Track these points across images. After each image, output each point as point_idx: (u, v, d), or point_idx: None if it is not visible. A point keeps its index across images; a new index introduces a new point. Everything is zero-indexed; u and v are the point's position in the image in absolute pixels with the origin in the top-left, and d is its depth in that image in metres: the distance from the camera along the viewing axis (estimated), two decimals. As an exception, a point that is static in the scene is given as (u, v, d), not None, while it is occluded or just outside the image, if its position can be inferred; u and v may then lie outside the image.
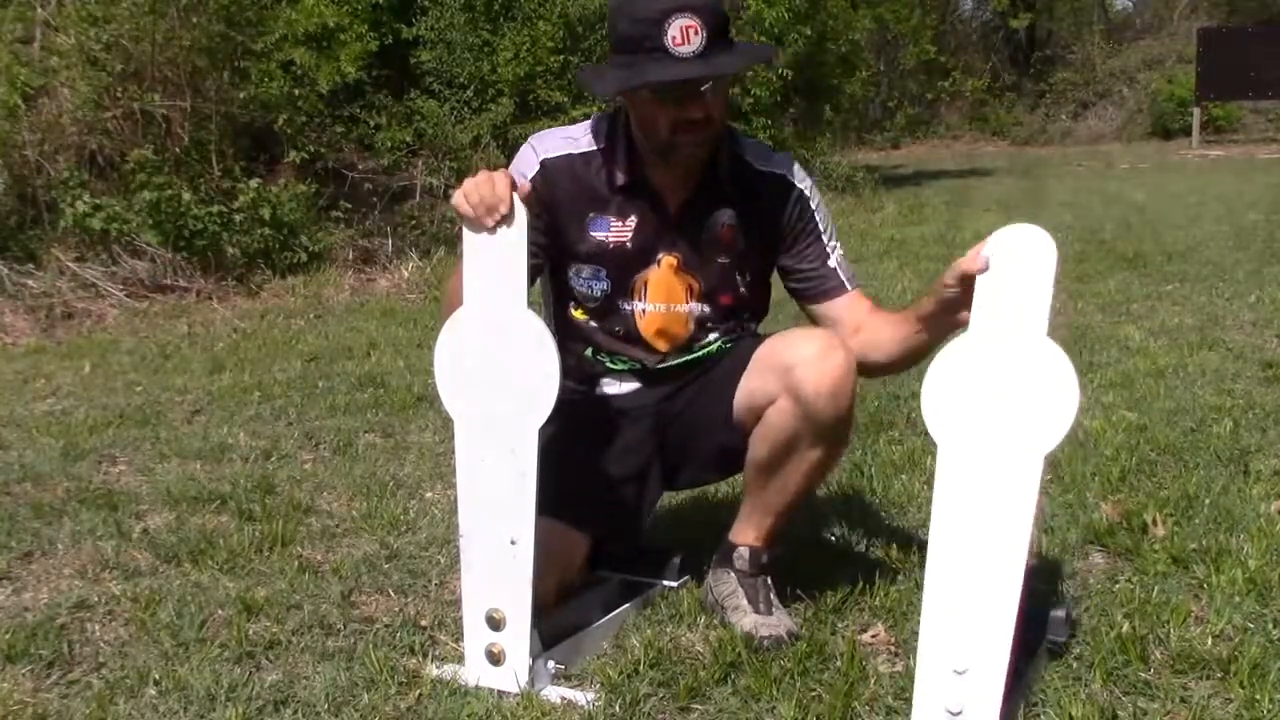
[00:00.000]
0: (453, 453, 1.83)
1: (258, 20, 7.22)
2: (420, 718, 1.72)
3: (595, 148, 2.02)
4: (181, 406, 3.79)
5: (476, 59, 8.35)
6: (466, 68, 8.36)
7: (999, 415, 1.62)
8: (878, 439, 3.10)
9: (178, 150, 6.57)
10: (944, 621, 1.60)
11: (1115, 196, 10.21)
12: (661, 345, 2.07)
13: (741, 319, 2.10)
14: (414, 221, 7.47)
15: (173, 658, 1.93)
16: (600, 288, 2.05)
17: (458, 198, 1.78)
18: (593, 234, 2.02)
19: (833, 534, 2.46)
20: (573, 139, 2.04)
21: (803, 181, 2.06)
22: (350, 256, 6.86)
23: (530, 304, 1.80)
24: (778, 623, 1.97)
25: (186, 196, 6.09)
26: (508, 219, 1.76)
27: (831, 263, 2.05)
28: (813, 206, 2.05)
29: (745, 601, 2.00)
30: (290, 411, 3.66)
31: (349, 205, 7.33)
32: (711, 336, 2.08)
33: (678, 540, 2.30)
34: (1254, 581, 2.07)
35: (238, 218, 6.31)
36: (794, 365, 1.88)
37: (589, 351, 2.10)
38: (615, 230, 2.01)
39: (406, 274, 6.61)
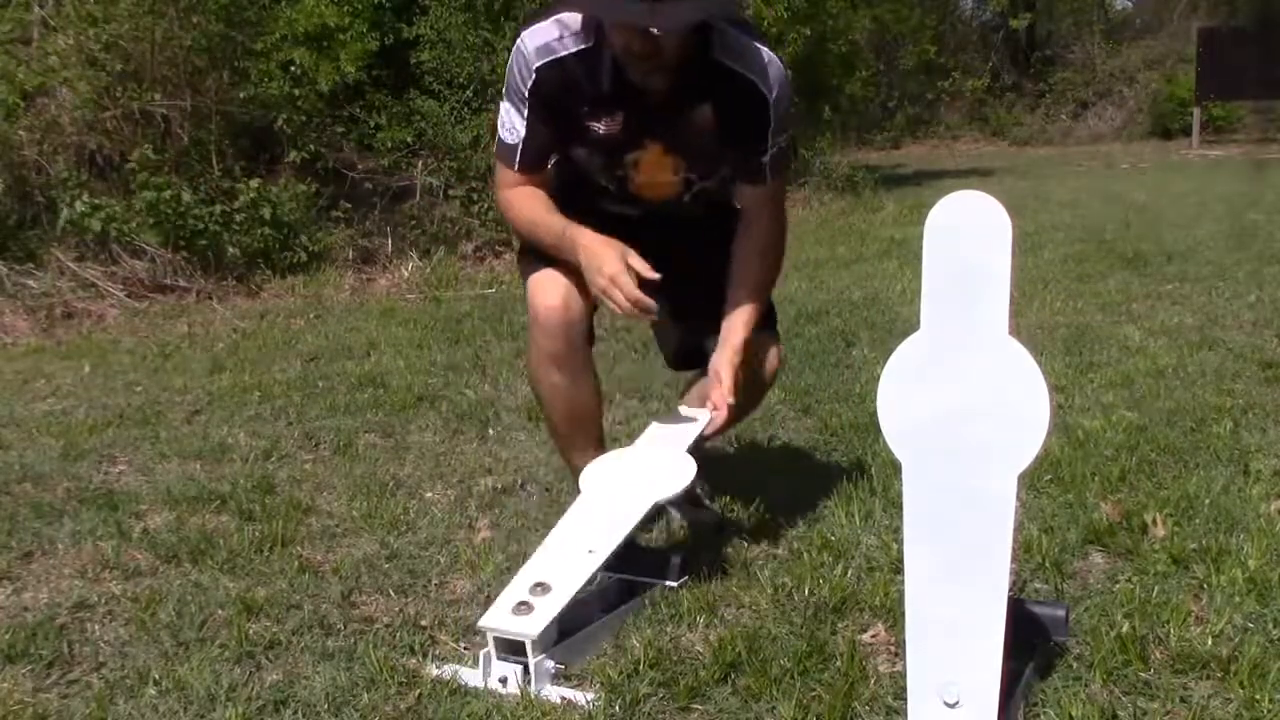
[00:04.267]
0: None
1: (258, 20, 7.21)
2: (420, 718, 1.72)
3: (583, 46, 2.13)
4: (181, 406, 3.79)
5: (476, 59, 8.35)
6: (466, 68, 8.35)
7: (963, 431, 1.44)
8: (878, 439, 3.08)
9: (177, 150, 6.57)
10: (931, 639, 1.55)
11: (1115, 196, 10.20)
12: (651, 196, 2.27)
13: (725, 179, 2.30)
14: (414, 221, 7.48)
15: (173, 658, 1.93)
16: (598, 161, 2.24)
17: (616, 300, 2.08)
18: (589, 123, 2.18)
19: (832, 534, 2.46)
20: (560, 38, 2.14)
21: (771, 86, 2.15)
22: (350, 256, 6.86)
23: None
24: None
25: (186, 196, 6.09)
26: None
27: (764, 158, 2.21)
28: (770, 105, 2.16)
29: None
30: (290, 411, 3.66)
31: (349, 205, 7.32)
32: (699, 187, 2.28)
33: (677, 540, 2.29)
34: (1254, 581, 2.06)
35: (238, 217, 6.31)
36: None
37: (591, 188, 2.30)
38: (606, 124, 2.18)
39: (406, 274, 6.60)
